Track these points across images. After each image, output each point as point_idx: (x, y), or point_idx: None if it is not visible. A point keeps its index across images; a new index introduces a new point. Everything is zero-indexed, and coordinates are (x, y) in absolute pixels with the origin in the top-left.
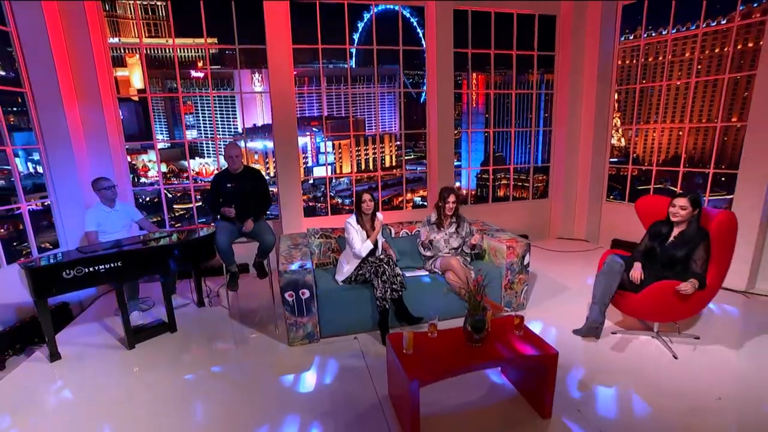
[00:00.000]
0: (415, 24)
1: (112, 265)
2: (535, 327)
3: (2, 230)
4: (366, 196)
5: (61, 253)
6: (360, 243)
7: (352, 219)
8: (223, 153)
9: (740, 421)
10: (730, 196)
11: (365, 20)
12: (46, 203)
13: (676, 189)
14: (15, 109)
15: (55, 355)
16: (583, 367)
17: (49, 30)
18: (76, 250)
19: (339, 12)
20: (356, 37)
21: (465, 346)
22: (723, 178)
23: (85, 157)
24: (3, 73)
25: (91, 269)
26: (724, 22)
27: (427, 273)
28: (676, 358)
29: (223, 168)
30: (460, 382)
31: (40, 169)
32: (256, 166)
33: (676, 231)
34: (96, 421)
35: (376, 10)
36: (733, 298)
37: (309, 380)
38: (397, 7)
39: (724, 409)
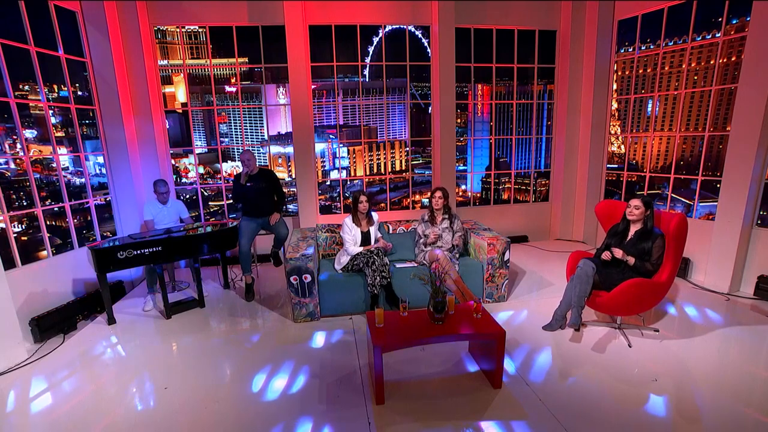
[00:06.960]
0: (420, 36)
1: (153, 249)
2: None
3: (76, 220)
4: (362, 197)
5: (117, 239)
6: (352, 244)
7: (348, 219)
8: (240, 158)
9: (669, 395)
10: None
11: (377, 39)
12: (107, 199)
13: (669, 194)
14: (87, 121)
15: (111, 320)
16: (543, 351)
17: (113, 57)
18: (128, 236)
19: (353, 32)
20: (370, 50)
21: (428, 323)
22: (718, 185)
23: (138, 160)
24: (80, 93)
25: (138, 252)
26: (708, 37)
27: (417, 264)
28: (630, 346)
29: (240, 171)
30: (430, 357)
31: (103, 170)
32: (279, 169)
33: (632, 230)
34: (141, 368)
35: (388, 30)
36: (713, 300)
37: (305, 348)
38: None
39: (656, 386)
